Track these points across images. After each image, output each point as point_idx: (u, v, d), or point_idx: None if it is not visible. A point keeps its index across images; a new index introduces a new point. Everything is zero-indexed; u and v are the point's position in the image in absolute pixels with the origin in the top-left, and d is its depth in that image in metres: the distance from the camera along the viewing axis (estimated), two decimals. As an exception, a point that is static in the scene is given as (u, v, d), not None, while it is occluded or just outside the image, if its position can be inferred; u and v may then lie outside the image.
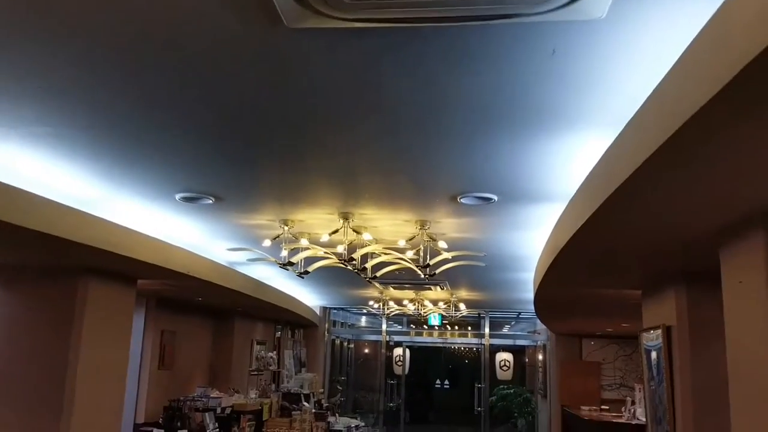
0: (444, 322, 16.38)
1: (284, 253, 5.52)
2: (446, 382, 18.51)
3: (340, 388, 12.61)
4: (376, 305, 10.66)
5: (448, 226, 5.35)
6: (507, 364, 16.80)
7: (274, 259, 5.37)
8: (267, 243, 5.33)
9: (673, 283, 4.60)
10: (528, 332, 15.93)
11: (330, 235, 5.05)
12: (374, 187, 4.42)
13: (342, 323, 15.53)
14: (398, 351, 17.16)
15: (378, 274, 5.99)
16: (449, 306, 10.53)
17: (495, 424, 14.89)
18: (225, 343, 9.69)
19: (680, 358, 4.45)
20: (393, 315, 14.37)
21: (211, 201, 4.66)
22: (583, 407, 11.71)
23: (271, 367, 9.34)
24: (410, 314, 10.76)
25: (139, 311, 7.86)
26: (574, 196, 3.87)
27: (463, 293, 10.31)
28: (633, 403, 9.70)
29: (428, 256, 5.34)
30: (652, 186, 2.64)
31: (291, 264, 5.24)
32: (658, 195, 2.79)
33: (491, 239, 5.87)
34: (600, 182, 3.08)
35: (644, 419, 5.79)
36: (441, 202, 4.61)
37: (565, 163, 3.68)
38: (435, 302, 10.59)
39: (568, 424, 12.22)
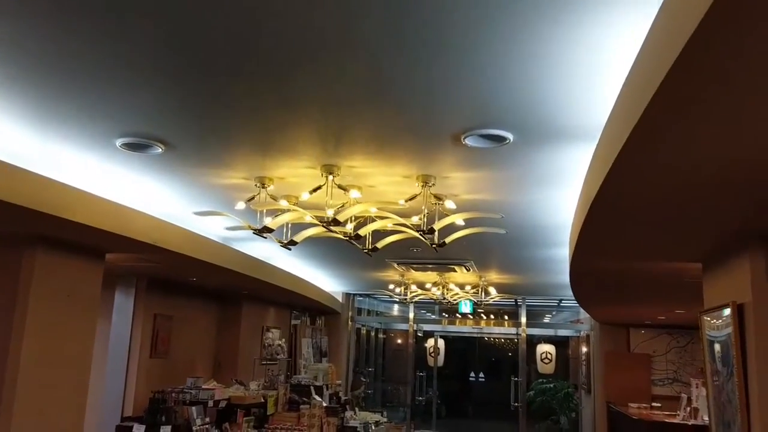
0: (478, 310, 15.36)
1: (267, 220, 4.63)
2: (481, 374, 17.45)
3: (365, 380, 11.76)
4: (397, 289, 9.74)
5: (456, 183, 4.37)
6: (549, 356, 15.69)
7: (248, 225, 4.47)
8: (240, 206, 4.44)
9: (746, 247, 3.53)
10: (570, 322, 14.78)
11: (310, 193, 4.13)
12: (362, 129, 3.48)
13: (368, 311, 14.64)
14: (431, 342, 16.21)
15: (379, 245, 5.04)
16: (478, 291, 9.53)
17: (534, 421, 13.79)
18: (231, 329, 8.90)
19: (757, 345, 3.39)
20: (418, 300, 13.42)
21: (160, 149, 3.79)
22: (631, 404, 10.56)
23: (279, 356, 8.51)
24: (436, 299, 9.79)
25: (128, 293, 7.12)
26: (608, 119, 2.85)
27: (493, 276, 9.29)
28: (689, 400, 8.52)
29: (435, 220, 4.37)
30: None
31: (268, 230, 4.34)
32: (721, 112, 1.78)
33: (514, 202, 4.86)
34: (638, 93, 2.07)
35: (707, 420, 4.70)
36: (443, 147, 3.64)
37: (604, 77, 2.67)
38: (462, 286, 9.59)
39: (615, 423, 11.08)
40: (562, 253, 7.00)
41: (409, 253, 7.65)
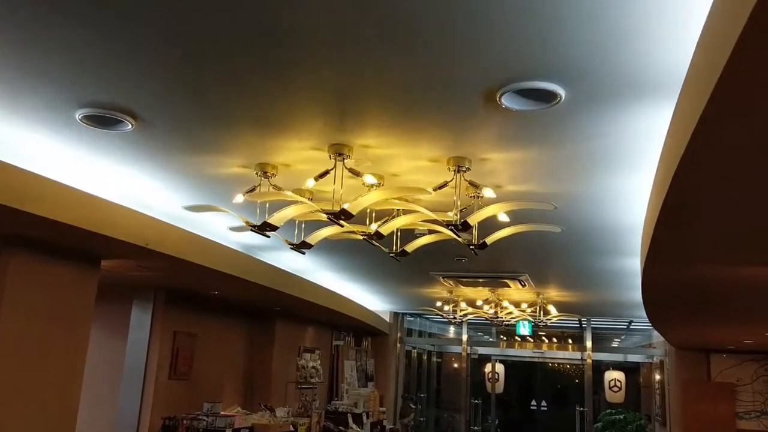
0: (539, 333, 14.23)
1: (277, 217, 3.90)
2: (544, 403, 16.20)
3: (414, 407, 10.86)
4: (446, 307, 8.87)
5: (497, 168, 3.54)
6: (618, 384, 14.39)
7: (246, 221, 3.75)
8: (239, 199, 3.73)
9: None
10: (641, 347, 13.50)
11: (316, 179, 3.38)
12: (376, 88, 2.73)
13: (420, 332, 13.75)
14: (490, 366, 15.15)
15: (409, 248, 4.24)
16: (536, 310, 8.56)
17: (602, 455, 12.55)
18: (263, 349, 8.21)
19: None
20: (472, 321, 12.47)
21: (129, 125, 3.13)
22: (713, 440, 9.31)
23: (313, 380, 7.77)
24: (489, 319, 8.86)
25: (146, 307, 6.52)
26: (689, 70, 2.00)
27: (552, 292, 8.30)
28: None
29: (472, 214, 3.53)
30: None
31: (271, 228, 3.61)
32: None
33: (570, 194, 3.98)
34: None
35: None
36: (474, 111, 2.83)
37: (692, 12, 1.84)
38: (518, 304, 8.64)
39: (695, 461, 9.81)
40: (633, 264, 6.01)
41: (455, 265, 6.81)
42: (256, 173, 3.70)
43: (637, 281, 7.02)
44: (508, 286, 7.73)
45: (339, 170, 3.32)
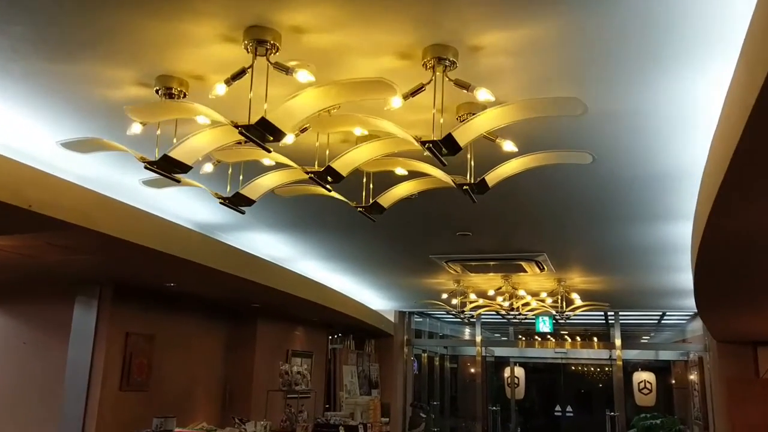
0: (561, 331, 13.02)
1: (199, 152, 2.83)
2: (569, 408, 14.92)
3: (424, 416, 9.72)
4: (453, 300, 7.73)
5: (495, 64, 2.43)
6: (648, 386, 13.13)
7: (140, 157, 2.64)
8: (136, 129, 2.65)
9: None
10: (674, 342, 12.26)
11: (227, 83, 2.30)
12: None
13: (430, 333, 12.60)
14: (509, 371, 13.95)
15: (384, 201, 3.13)
16: (557, 300, 7.39)
17: (637, 465, 11.24)
18: (242, 353, 7.13)
19: None
20: (486, 319, 11.32)
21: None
22: (769, 446, 8.06)
23: (298, 387, 6.64)
24: (504, 312, 7.71)
25: (90, 305, 5.47)
26: None
27: (576, 277, 7.13)
28: None
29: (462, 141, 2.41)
30: None
31: (174, 166, 2.53)
32: None
33: (608, 114, 2.85)
34: None
35: None
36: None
37: None
38: (535, 294, 7.47)
39: (746, 470, 8.56)
40: (679, 231, 4.86)
41: (458, 244, 5.70)
42: (158, 91, 2.62)
43: (680, 258, 5.86)
44: (524, 271, 6.58)
45: (258, 69, 2.23)
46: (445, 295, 7.73)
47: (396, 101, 2.32)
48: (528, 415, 15.00)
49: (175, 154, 2.50)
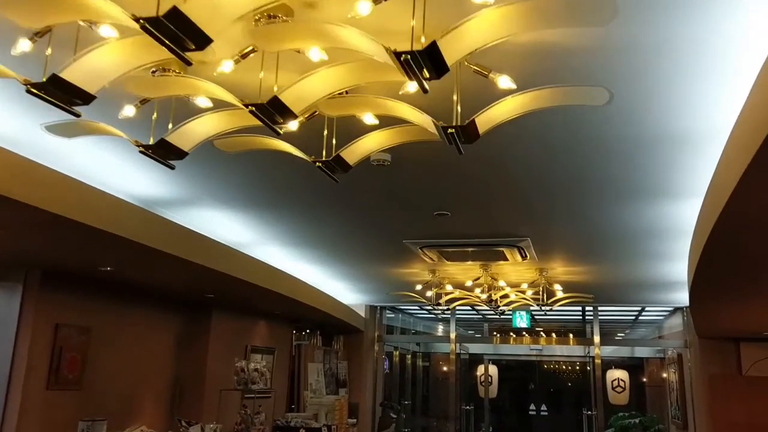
0: (537, 328, 12.57)
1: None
2: (543, 407, 14.51)
3: (394, 416, 9.16)
4: (429, 293, 7.19)
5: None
6: (622, 384, 12.78)
7: (23, 80, 2.02)
8: (24, 46, 2.02)
9: None
10: (656, 338, 11.89)
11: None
12: None
13: (402, 330, 12.04)
14: (482, 369, 13.48)
15: (349, 156, 2.53)
16: (539, 291, 6.89)
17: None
18: (194, 349, 6.47)
19: None
20: (461, 316, 10.82)
21: None
22: (757, 447, 7.68)
23: (255, 386, 6.01)
24: (480, 304, 7.18)
25: (12, 293, 4.78)
26: None
27: (558, 268, 6.63)
28: None
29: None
30: None
31: (64, 93, 1.91)
32: None
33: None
34: None
35: None
36: None
37: None
38: (515, 286, 6.95)
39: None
40: (678, 212, 4.37)
41: (435, 227, 5.15)
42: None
43: (675, 245, 5.39)
44: (505, 259, 6.05)
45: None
46: (419, 287, 7.17)
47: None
48: (501, 414, 14.56)
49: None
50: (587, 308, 10.60)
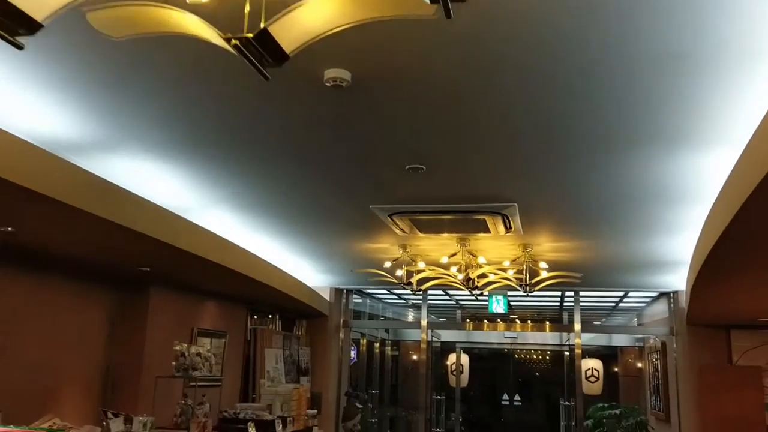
0: (512, 315, 11.94)
1: None
2: (516, 397, 13.93)
3: (360, 406, 8.43)
4: (399, 272, 6.44)
5: None
6: (596, 373, 12.22)
7: None
8: None
9: None
10: (639, 326, 11.37)
11: None
12: None
13: (371, 316, 11.30)
14: (453, 358, 12.85)
15: (285, 43, 1.74)
16: (522, 269, 6.19)
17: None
18: (129, 331, 5.64)
19: None
20: (430, 302, 10.11)
21: None
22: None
23: (196, 372, 5.19)
24: (456, 284, 6.46)
25: None
26: None
27: (545, 243, 5.94)
28: None
29: None
30: None
31: None
32: None
33: None
34: None
35: None
36: None
37: None
38: (496, 264, 6.23)
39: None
40: (694, 166, 3.68)
41: (407, 187, 4.40)
42: None
43: (679, 213, 4.72)
44: (486, 231, 5.33)
45: None
46: (388, 264, 6.42)
47: None
48: (473, 404, 13.96)
49: None
50: (567, 294, 9.97)
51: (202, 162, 4.07)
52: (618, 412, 9.38)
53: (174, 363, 5.12)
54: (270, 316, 8.18)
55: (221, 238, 5.46)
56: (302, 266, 7.65)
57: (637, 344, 12.82)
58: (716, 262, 4.52)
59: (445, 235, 5.65)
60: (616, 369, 14.99)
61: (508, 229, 5.28)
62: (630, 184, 4.11)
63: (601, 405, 9.81)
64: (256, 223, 5.64)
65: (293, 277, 7.64)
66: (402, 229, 5.43)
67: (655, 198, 4.36)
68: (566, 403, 10.26)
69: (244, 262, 5.89)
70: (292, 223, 5.56)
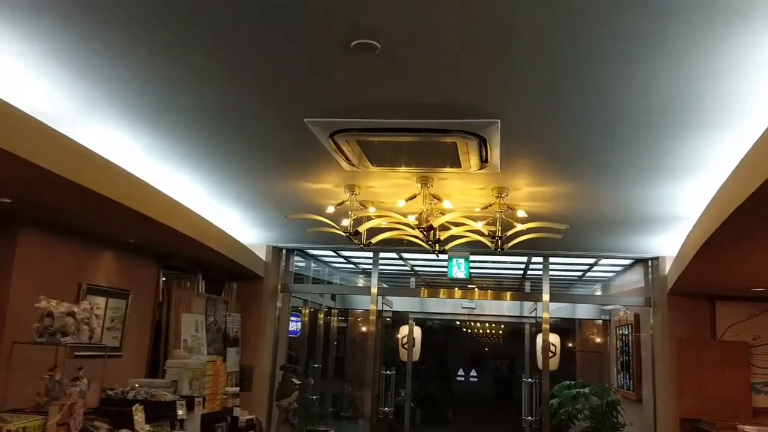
0: (470, 285, 10.89)
1: None
2: (473, 372, 12.99)
3: (298, 383, 7.27)
4: (345, 221, 5.24)
5: None
6: (553, 348, 11.33)
7: None
8: None
9: None
10: (615, 294, 10.47)
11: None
12: None
13: (315, 281, 10.10)
14: (405, 330, 11.82)
15: None
16: (495, 221, 5.07)
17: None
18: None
19: None
20: (385, 267, 8.96)
21: None
22: (745, 427, 6.23)
23: (65, 339, 3.88)
24: (413, 237, 5.29)
25: None
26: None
27: (524, 187, 4.80)
28: None
29: None
30: None
31: None
32: None
33: None
34: None
35: None
36: None
37: None
38: (464, 212, 5.09)
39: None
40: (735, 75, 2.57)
41: (354, 95, 3.18)
42: None
43: (700, 145, 3.66)
44: (457, 165, 4.16)
45: None
46: (331, 209, 5.20)
47: None
48: (425, 380, 12.98)
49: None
50: (534, 260, 8.96)
51: (75, 42, 2.76)
52: (587, 391, 8.44)
53: (36, 325, 3.82)
54: (191, 275, 6.88)
55: (113, 164, 4.16)
56: (230, 216, 6.36)
57: (602, 317, 11.99)
58: (747, 217, 3.51)
59: (403, 170, 4.45)
60: (571, 344, 14.27)
61: (483, 162, 4.12)
62: (637, 103, 3.00)
63: (567, 383, 8.87)
64: (159, 149, 4.33)
65: (219, 228, 6.37)
66: (348, 159, 4.20)
67: (669, 122, 3.27)
68: (529, 380, 9.30)
69: (150, 200, 4.61)
70: (202, 141, 4.25)
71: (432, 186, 4.75)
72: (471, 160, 4.05)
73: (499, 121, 3.48)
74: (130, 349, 5.59)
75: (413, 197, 4.74)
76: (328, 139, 3.84)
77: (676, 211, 5.33)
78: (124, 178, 4.31)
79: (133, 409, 3.79)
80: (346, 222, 5.22)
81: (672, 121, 3.37)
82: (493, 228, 5.03)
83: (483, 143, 3.77)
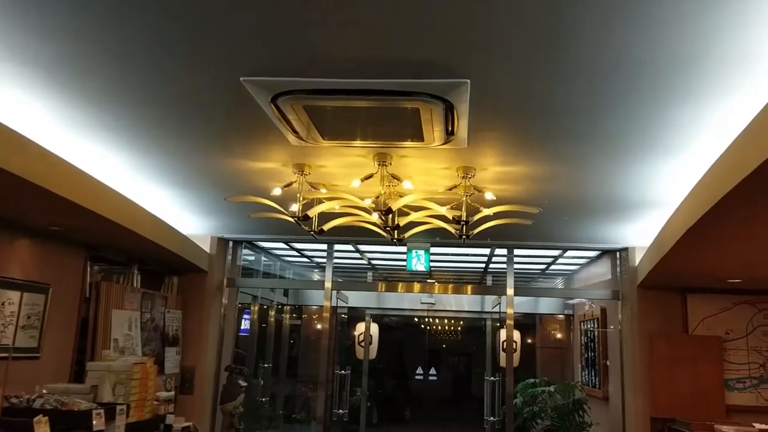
0: (429, 280, 10.43)
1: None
2: (432, 371, 12.54)
3: (244, 384, 6.68)
4: (294, 206, 4.68)
5: None
6: (513, 344, 10.96)
7: None
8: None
9: None
10: (583, 288, 10.15)
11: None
12: None
13: (265, 275, 9.49)
14: (361, 327, 11.30)
15: None
16: (460, 205, 4.58)
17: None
18: None
19: None
20: (340, 261, 8.40)
21: None
22: (722, 426, 5.90)
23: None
24: (368, 224, 4.77)
25: None
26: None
27: (492, 166, 4.33)
28: None
29: None
30: None
31: None
32: None
33: None
34: None
35: None
36: None
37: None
38: (426, 193, 4.59)
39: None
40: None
41: (301, 49, 2.64)
42: None
43: (694, 113, 3.22)
44: (419, 138, 3.65)
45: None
46: (277, 191, 4.64)
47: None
48: (382, 379, 12.48)
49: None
50: (496, 253, 8.54)
51: None
52: (552, 389, 8.06)
53: None
54: (124, 267, 6.22)
55: (27, 139, 3.53)
56: (163, 198, 5.71)
57: (565, 311, 11.69)
58: (735, 202, 3.11)
59: (359, 144, 3.91)
60: (531, 340, 13.98)
61: (449, 135, 3.62)
62: (624, 62, 2.53)
63: (531, 381, 8.48)
64: (78, 120, 3.70)
65: (155, 216, 5.74)
66: (295, 131, 3.64)
67: (658, 87, 2.82)
68: (491, 378, 8.88)
69: (72, 182, 3.99)
70: (129, 109, 3.65)
71: (391, 164, 4.22)
72: (435, 131, 3.55)
73: (468, 81, 2.98)
74: (51, 349, 4.93)
75: (369, 176, 4.21)
76: (269, 104, 3.27)
77: (653, 194, 4.94)
78: (39, 155, 3.68)
79: (34, 421, 3.17)
80: (295, 207, 4.67)
81: (661, 86, 2.93)
82: (458, 213, 4.53)
83: (449, 110, 3.26)
